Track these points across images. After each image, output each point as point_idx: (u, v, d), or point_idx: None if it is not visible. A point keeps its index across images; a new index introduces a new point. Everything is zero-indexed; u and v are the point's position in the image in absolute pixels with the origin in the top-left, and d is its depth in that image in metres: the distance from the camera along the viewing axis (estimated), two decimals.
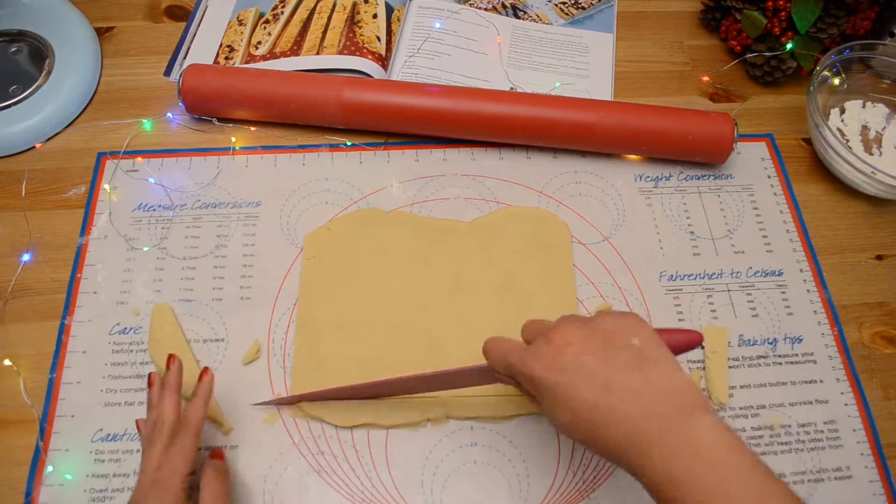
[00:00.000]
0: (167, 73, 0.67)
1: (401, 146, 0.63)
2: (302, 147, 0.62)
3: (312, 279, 0.55)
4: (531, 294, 0.54)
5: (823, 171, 0.63)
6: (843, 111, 0.66)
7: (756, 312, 0.56)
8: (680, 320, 0.55)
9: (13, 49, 0.66)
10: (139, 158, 0.61)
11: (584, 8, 0.74)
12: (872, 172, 0.57)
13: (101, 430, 0.49)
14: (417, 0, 0.73)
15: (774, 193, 0.62)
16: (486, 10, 0.73)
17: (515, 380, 0.40)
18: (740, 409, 0.51)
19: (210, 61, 0.67)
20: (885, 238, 0.60)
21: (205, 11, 0.71)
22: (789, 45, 0.65)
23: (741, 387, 0.52)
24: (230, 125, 0.63)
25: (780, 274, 0.58)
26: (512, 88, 0.67)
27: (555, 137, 0.60)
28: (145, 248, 0.56)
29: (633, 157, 0.63)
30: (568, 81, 0.68)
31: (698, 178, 0.62)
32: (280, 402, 0.50)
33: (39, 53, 0.65)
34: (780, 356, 0.54)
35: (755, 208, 0.61)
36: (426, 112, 0.60)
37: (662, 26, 0.74)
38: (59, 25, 0.66)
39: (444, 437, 0.49)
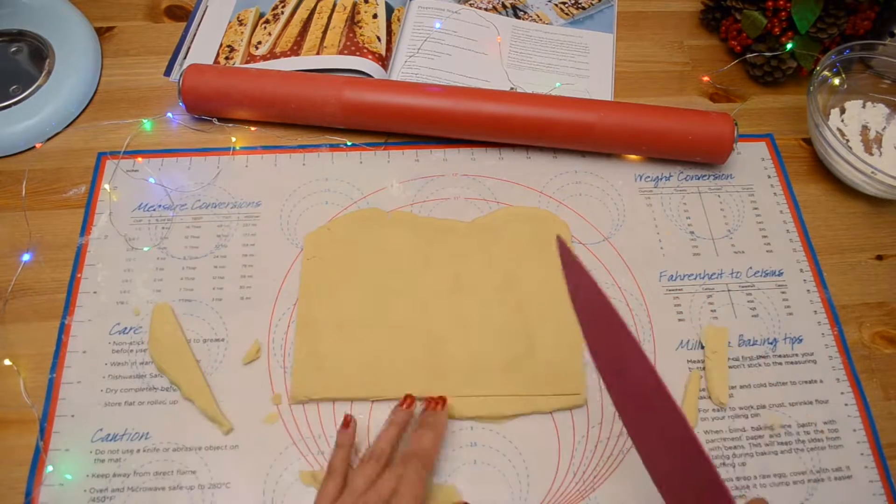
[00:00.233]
0: (167, 73, 0.67)
1: (401, 146, 0.63)
2: (302, 147, 0.62)
3: (312, 279, 0.55)
4: (531, 294, 0.54)
5: (823, 171, 0.63)
6: (843, 111, 0.66)
7: (756, 312, 0.56)
8: (680, 320, 0.55)
9: (13, 49, 0.66)
10: (139, 158, 0.61)
11: (584, 8, 0.74)
12: (872, 172, 0.57)
13: (101, 429, 0.49)
14: (417, 0, 0.73)
15: (774, 193, 0.62)
16: (486, 10, 0.73)
17: None
18: (740, 409, 0.51)
19: (210, 61, 0.67)
20: (885, 238, 0.61)
21: (205, 11, 0.71)
22: (789, 45, 0.65)
23: (741, 387, 0.52)
24: (230, 125, 0.63)
25: (780, 274, 0.58)
26: (512, 88, 0.67)
27: (555, 137, 0.60)
28: (145, 248, 0.56)
29: (633, 157, 0.63)
30: (568, 81, 0.68)
31: (698, 178, 0.62)
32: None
33: (39, 53, 0.65)
34: (780, 356, 0.54)
35: (755, 208, 0.61)
36: (426, 112, 0.60)
37: (662, 26, 0.74)
38: (60, 25, 0.66)
39: (444, 437, 0.49)
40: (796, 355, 0.54)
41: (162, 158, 0.61)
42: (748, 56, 0.68)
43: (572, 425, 0.50)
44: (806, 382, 0.53)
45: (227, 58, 0.67)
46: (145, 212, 0.58)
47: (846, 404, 0.52)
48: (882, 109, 0.65)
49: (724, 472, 0.49)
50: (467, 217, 0.59)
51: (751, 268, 0.58)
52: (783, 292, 0.57)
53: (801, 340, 0.55)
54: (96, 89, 0.65)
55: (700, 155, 0.61)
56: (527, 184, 0.61)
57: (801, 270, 0.58)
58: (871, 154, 0.64)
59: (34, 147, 0.61)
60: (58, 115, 0.62)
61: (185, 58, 0.68)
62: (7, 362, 0.51)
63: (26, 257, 0.55)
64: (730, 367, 0.53)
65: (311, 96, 0.60)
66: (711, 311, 0.56)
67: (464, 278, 0.55)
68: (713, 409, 0.51)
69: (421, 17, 0.72)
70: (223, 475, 0.47)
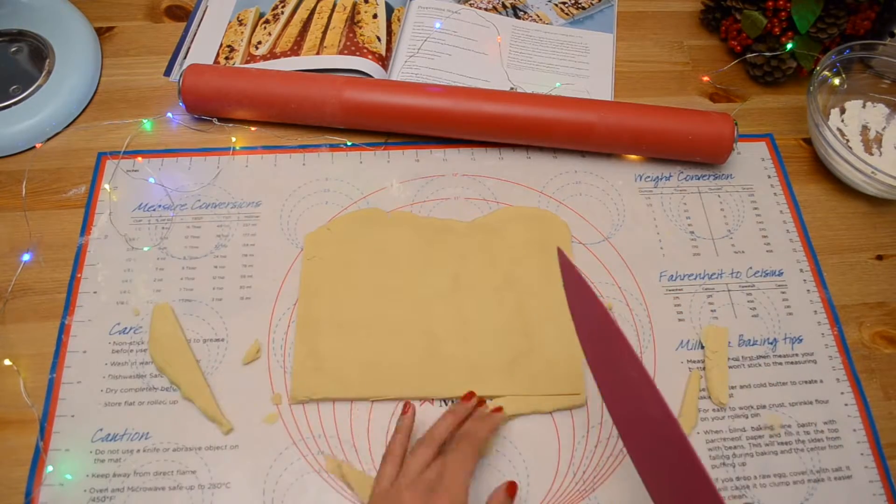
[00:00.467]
0: (167, 73, 0.67)
1: (401, 146, 0.63)
2: (302, 147, 0.62)
3: (312, 279, 0.55)
4: (531, 294, 0.54)
5: (823, 171, 0.63)
6: (843, 111, 0.66)
7: (756, 312, 0.56)
8: (680, 320, 0.55)
9: (13, 49, 0.66)
10: (139, 158, 0.61)
11: (584, 8, 0.74)
12: (872, 172, 0.57)
13: (101, 429, 0.49)
14: (417, 0, 0.73)
15: (774, 193, 0.62)
16: (486, 10, 0.73)
17: None
18: (740, 409, 0.51)
19: (210, 61, 0.67)
20: (885, 238, 0.60)
21: (205, 11, 0.71)
22: (789, 45, 0.65)
23: (741, 387, 0.52)
24: (230, 125, 0.63)
25: (780, 274, 0.58)
26: (512, 88, 0.67)
27: (555, 137, 0.60)
28: (145, 248, 0.56)
29: (633, 157, 0.63)
30: (568, 81, 0.68)
31: (698, 178, 0.62)
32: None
33: (40, 53, 0.65)
34: (780, 356, 0.54)
35: (755, 208, 0.61)
36: (426, 112, 0.60)
37: (662, 26, 0.74)
38: (60, 25, 0.66)
39: None
40: (796, 355, 0.54)
41: (162, 158, 0.61)
42: (748, 56, 0.68)
43: (572, 425, 0.50)
44: (806, 382, 0.53)
45: (227, 58, 0.67)
46: (145, 212, 0.58)
47: (846, 404, 0.52)
48: (882, 109, 0.65)
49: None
50: (467, 217, 0.59)
51: (751, 268, 0.58)
52: (783, 292, 0.57)
53: (801, 340, 0.55)
54: (96, 89, 0.65)
55: (700, 155, 0.61)
56: (527, 184, 0.61)
57: (801, 270, 0.58)
58: (871, 154, 0.64)
59: (34, 147, 0.61)
60: (58, 115, 0.62)
61: (185, 58, 0.68)
62: (7, 362, 0.51)
63: (26, 257, 0.55)
64: (730, 367, 0.53)
65: (311, 96, 0.60)
66: (711, 311, 0.56)
67: (464, 278, 0.55)
68: (713, 409, 0.51)
69: (421, 17, 0.72)
70: (223, 475, 0.47)
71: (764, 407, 0.52)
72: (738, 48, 0.69)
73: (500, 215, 0.59)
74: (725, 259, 0.58)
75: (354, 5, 0.70)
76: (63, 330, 0.52)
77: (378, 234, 0.57)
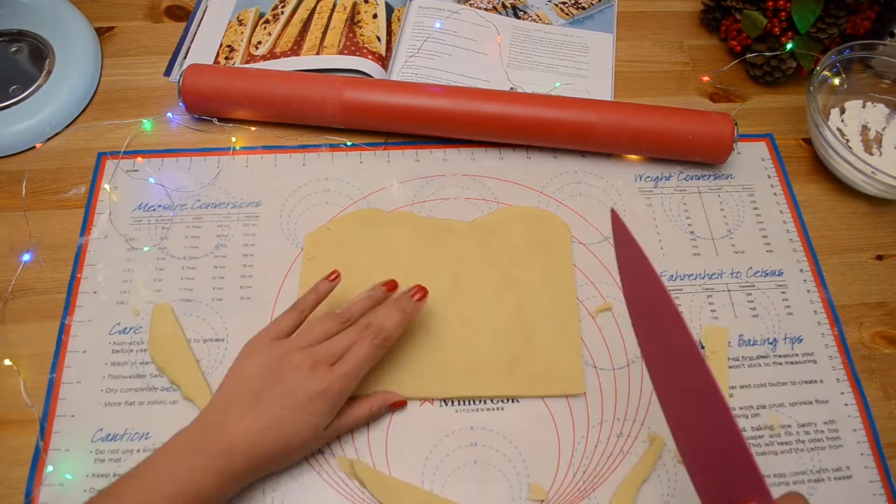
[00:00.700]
0: (167, 73, 0.67)
1: (401, 146, 0.63)
2: (302, 147, 0.62)
3: (313, 279, 0.54)
4: (531, 294, 0.54)
5: (823, 171, 0.63)
6: (843, 111, 0.66)
7: (756, 312, 0.56)
8: None
9: (13, 49, 0.66)
10: (139, 158, 0.61)
11: (584, 8, 0.74)
12: (872, 172, 0.57)
13: (101, 429, 0.49)
14: (417, 0, 0.73)
15: (774, 193, 0.62)
16: (486, 10, 0.73)
17: None
18: (740, 409, 0.51)
19: (210, 61, 0.67)
20: (885, 238, 0.61)
21: (205, 11, 0.72)
22: (789, 45, 0.65)
23: (741, 387, 0.52)
24: (230, 125, 0.63)
25: (780, 274, 0.58)
26: (512, 88, 0.67)
27: (555, 137, 0.60)
28: (145, 248, 0.56)
29: (633, 157, 0.63)
30: (568, 81, 0.68)
31: (698, 178, 0.62)
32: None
33: (39, 53, 0.65)
34: (780, 356, 0.54)
35: (755, 208, 0.61)
36: (426, 112, 0.60)
37: (662, 26, 0.74)
38: (60, 25, 0.66)
39: (445, 437, 0.49)
40: (796, 355, 0.54)
41: (162, 158, 0.61)
42: (748, 56, 0.68)
43: (572, 426, 0.50)
44: (806, 382, 0.53)
45: (227, 58, 0.67)
46: (145, 212, 0.58)
47: (846, 404, 0.52)
48: (882, 109, 0.65)
49: None
50: (467, 217, 0.59)
51: (751, 268, 0.58)
52: (783, 292, 0.57)
53: (801, 340, 0.55)
54: (96, 89, 0.65)
55: (700, 155, 0.61)
56: (527, 184, 0.61)
57: (801, 270, 0.58)
58: (871, 154, 0.64)
59: (34, 147, 0.61)
60: (58, 115, 0.62)
61: (185, 58, 0.68)
62: (7, 362, 0.51)
63: (26, 257, 0.55)
64: (730, 367, 0.53)
65: (311, 96, 0.60)
66: (711, 311, 0.56)
67: (464, 278, 0.55)
68: None
69: (421, 17, 0.72)
70: None
71: (764, 407, 0.52)
72: (738, 48, 0.69)
73: (500, 215, 0.59)
74: (725, 259, 0.58)
75: (354, 5, 0.70)
76: (63, 330, 0.52)
77: (378, 234, 0.57)
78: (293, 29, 0.69)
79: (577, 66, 0.70)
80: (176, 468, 0.40)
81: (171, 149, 0.62)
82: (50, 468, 0.47)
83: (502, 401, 0.51)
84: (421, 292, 0.49)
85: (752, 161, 0.64)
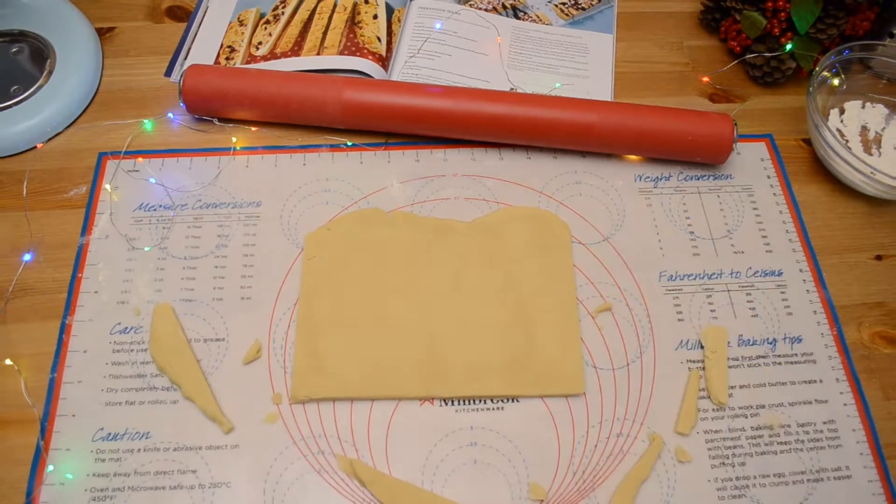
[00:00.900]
0: (168, 73, 0.67)
1: (401, 146, 0.63)
2: (302, 147, 0.63)
3: (313, 279, 0.55)
4: (531, 294, 0.54)
5: (823, 172, 0.64)
6: (842, 111, 0.66)
7: (756, 312, 0.56)
8: (679, 320, 0.55)
9: (14, 49, 0.66)
10: (140, 158, 0.61)
11: (584, 8, 0.75)
12: (872, 173, 0.57)
13: (101, 429, 0.49)
14: (418, 1, 0.73)
15: (774, 194, 0.62)
16: (486, 10, 0.73)
17: None
18: (740, 409, 0.52)
19: (211, 62, 0.67)
20: (884, 238, 0.61)
21: (205, 12, 0.72)
22: (789, 46, 0.65)
23: (741, 387, 0.52)
24: (231, 125, 0.63)
25: (780, 274, 0.58)
26: (512, 89, 0.67)
27: (555, 138, 0.60)
28: (146, 248, 0.56)
29: (633, 157, 0.63)
30: (568, 82, 0.68)
31: (698, 179, 0.62)
32: None
33: (40, 54, 0.65)
34: (779, 356, 0.54)
35: (755, 208, 0.61)
36: (426, 112, 0.60)
37: (662, 27, 0.74)
38: (61, 26, 0.67)
39: (445, 437, 0.49)
40: (796, 355, 0.54)
41: (163, 158, 0.61)
42: (748, 56, 0.68)
43: (572, 425, 0.50)
44: (805, 382, 0.53)
45: (227, 58, 0.67)
46: (146, 212, 0.58)
47: (845, 404, 0.52)
48: (881, 110, 0.65)
49: (723, 472, 0.49)
50: (467, 217, 0.59)
51: (750, 268, 0.58)
52: (783, 292, 0.57)
53: (800, 340, 0.55)
54: (97, 89, 0.65)
55: (700, 155, 0.61)
56: (527, 184, 0.61)
57: (801, 270, 0.58)
58: (871, 154, 0.64)
59: (35, 147, 0.61)
60: (59, 115, 0.62)
61: (185, 58, 0.68)
62: (8, 362, 0.51)
63: (27, 257, 0.56)
64: (729, 366, 0.53)
65: (311, 96, 0.60)
66: (711, 311, 0.56)
67: (464, 278, 0.55)
68: (713, 409, 0.51)
69: (421, 18, 0.72)
70: (224, 475, 0.48)
71: (763, 407, 0.52)
72: (738, 49, 0.69)
73: (500, 215, 0.59)
74: (725, 259, 0.58)
75: (355, 6, 0.70)
76: (64, 329, 0.52)
77: (378, 234, 0.57)
78: (294, 29, 0.69)
79: (577, 67, 0.70)
80: None
81: (171, 149, 0.62)
82: (50, 468, 0.47)
83: (502, 401, 0.51)
84: None
85: (751, 161, 0.64)
